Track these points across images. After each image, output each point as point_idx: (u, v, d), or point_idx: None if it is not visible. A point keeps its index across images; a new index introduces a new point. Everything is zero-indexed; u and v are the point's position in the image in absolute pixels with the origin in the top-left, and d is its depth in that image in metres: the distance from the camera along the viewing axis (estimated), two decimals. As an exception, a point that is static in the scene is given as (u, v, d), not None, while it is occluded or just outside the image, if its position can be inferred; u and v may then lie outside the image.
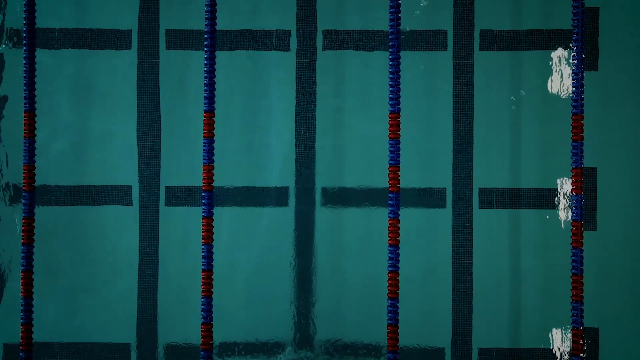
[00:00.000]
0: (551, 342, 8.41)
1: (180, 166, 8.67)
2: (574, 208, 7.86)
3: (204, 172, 7.66)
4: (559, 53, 8.58)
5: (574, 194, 7.94)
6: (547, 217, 8.51)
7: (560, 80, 8.58)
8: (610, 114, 8.53)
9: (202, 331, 7.56)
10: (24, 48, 7.69)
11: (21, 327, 7.55)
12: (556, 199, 8.51)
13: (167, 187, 8.68)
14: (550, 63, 8.58)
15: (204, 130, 7.57)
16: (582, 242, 7.62)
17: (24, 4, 7.56)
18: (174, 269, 8.61)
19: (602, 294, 8.40)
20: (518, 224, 8.51)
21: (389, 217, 7.47)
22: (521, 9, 8.61)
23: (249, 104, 8.68)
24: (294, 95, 8.69)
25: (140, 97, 8.70)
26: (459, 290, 8.49)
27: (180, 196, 8.65)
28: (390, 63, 7.51)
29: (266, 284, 8.54)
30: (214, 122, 7.62)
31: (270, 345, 8.51)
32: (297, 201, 8.59)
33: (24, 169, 7.70)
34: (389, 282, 7.45)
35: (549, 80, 8.57)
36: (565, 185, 8.49)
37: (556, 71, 8.58)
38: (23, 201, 7.59)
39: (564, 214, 8.48)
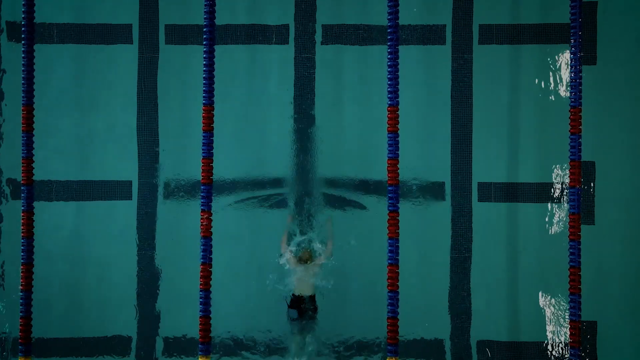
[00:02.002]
0: (549, 335, 8.43)
1: (179, 160, 8.67)
2: (571, 201, 7.87)
3: (203, 166, 7.65)
4: (557, 47, 8.59)
5: (572, 187, 7.95)
6: (545, 210, 8.52)
7: (559, 74, 8.59)
8: (608, 108, 8.54)
9: (200, 324, 7.56)
10: (23, 42, 7.69)
11: (20, 320, 7.55)
12: (554, 192, 8.52)
13: (165, 181, 8.68)
14: (549, 57, 8.59)
15: (203, 123, 7.56)
16: (579, 235, 7.63)
17: (23, -2, 7.56)
18: (173, 263, 8.61)
19: (600, 287, 8.40)
20: (516, 217, 8.52)
21: (388, 210, 7.46)
22: (520, 3, 8.62)
23: (247, 98, 8.69)
24: (292, 88, 8.70)
25: (140, 92, 8.70)
26: (457, 282, 8.51)
27: (180, 190, 8.65)
28: (389, 57, 7.51)
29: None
30: (213, 115, 7.62)
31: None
32: (296, 192, 8.61)
33: (23, 163, 7.68)
34: (389, 274, 7.44)
35: (548, 74, 8.58)
36: (563, 179, 8.50)
37: (555, 65, 8.58)
38: (22, 195, 7.58)
39: (562, 207, 8.48)
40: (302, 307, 8.42)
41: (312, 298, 8.41)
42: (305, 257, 8.36)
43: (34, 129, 7.58)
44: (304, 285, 8.39)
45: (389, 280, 7.24)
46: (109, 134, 8.67)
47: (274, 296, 8.53)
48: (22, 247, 7.35)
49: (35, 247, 7.23)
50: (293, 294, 8.42)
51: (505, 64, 8.58)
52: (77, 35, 8.70)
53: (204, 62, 7.40)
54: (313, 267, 8.38)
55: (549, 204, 8.48)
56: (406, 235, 7.87)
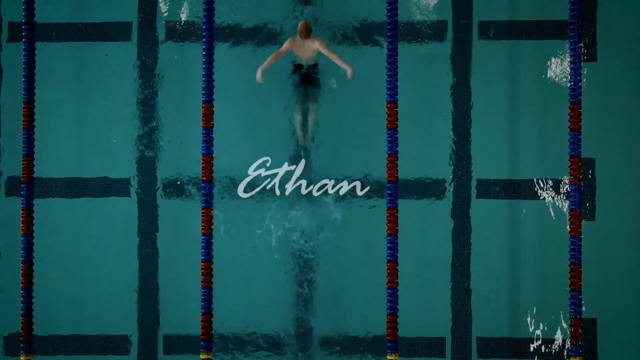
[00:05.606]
0: (549, 331, 8.44)
1: (179, 158, 8.68)
2: (572, 197, 7.87)
3: (203, 163, 7.68)
4: (557, 43, 8.59)
5: (572, 183, 7.95)
6: (546, 207, 8.53)
7: (558, 71, 8.59)
8: (609, 105, 8.53)
9: (202, 321, 7.59)
10: (23, 40, 7.71)
11: (21, 318, 7.58)
12: (554, 188, 8.53)
13: (164, 179, 8.69)
14: (548, 53, 8.59)
15: (202, 121, 7.59)
16: (580, 231, 7.64)
17: (23, -4, 7.59)
18: (173, 261, 8.62)
19: (600, 284, 8.40)
20: (516, 214, 8.52)
21: (387, 207, 7.49)
22: (519, 0, 8.63)
23: (247, 95, 8.71)
24: (292, 84, 8.72)
25: (140, 89, 8.72)
26: (458, 280, 8.51)
27: (179, 187, 8.67)
28: (388, 53, 7.53)
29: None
30: (213, 112, 7.65)
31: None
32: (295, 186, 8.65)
33: (23, 160, 7.71)
34: (388, 271, 7.46)
35: (547, 70, 8.58)
36: (563, 176, 8.50)
37: (554, 61, 8.59)
38: (22, 192, 7.61)
39: (563, 204, 8.49)
40: (304, 72, 8.49)
41: (314, 66, 8.50)
42: (304, 30, 8.35)
43: (34, 126, 7.61)
44: (305, 55, 8.43)
45: (389, 277, 7.26)
46: (109, 131, 8.68)
47: (274, 294, 8.56)
48: (22, 245, 7.38)
49: (35, 245, 7.27)
50: (296, 63, 8.53)
51: (504, 60, 8.58)
52: (76, 33, 8.72)
53: (204, 60, 7.43)
54: (312, 41, 8.38)
55: (549, 201, 8.49)
56: (406, 233, 7.89)
